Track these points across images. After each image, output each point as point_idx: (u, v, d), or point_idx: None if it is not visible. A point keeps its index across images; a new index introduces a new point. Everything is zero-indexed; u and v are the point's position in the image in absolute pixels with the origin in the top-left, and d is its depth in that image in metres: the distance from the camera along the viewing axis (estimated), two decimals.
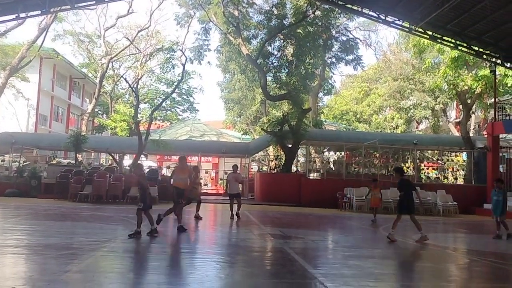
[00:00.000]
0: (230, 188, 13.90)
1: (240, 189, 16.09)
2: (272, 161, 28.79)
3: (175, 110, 55.33)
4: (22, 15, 18.61)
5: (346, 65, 30.39)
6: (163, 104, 45.91)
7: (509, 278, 6.90)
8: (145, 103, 49.16)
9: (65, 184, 19.33)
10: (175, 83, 36.26)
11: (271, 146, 27.73)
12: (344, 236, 11.69)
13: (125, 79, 33.83)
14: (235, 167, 14.74)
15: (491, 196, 11.57)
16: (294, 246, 8.97)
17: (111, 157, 27.59)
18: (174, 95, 48.98)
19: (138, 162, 21.93)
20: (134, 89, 29.23)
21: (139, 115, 29.47)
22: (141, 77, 39.22)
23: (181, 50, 27.59)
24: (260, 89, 27.43)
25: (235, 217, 13.43)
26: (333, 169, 26.42)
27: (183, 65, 26.84)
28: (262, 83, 24.56)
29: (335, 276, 6.08)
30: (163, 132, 35.01)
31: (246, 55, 24.86)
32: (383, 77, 39.18)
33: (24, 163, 25.19)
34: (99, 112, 46.91)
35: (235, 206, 13.65)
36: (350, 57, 29.17)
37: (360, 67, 30.51)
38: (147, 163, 29.84)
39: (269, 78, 26.11)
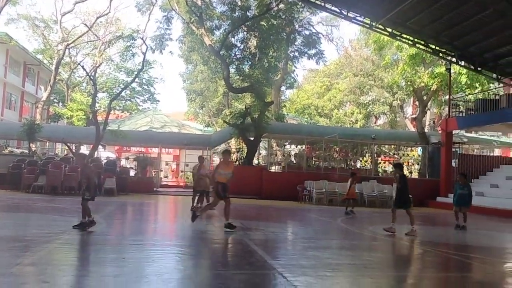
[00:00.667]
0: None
1: None
2: (233, 153, 28.76)
3: (135, 100, 54.08)
4: None
5: (309, 59, 30.65)
6: (122, 93, 44.68)
7: (461, 268, 7.20)
8: (103, 92, 47.70)
9: (18, 174, 18.58)
10: (135, 73, 35.40)
11: (233, 139, 27.69)
12: (304, 228, 11.85)
13: (83, 66, 32.74)
14: (201, 159, 14.42)
15: (455, 189, 12.35)
16: (254, 237, 8.99)
17: (66, 147, 26.71)
18: (134, 85, 47.80)
19: (80, 151, 21.48)
20: (92, 77, 28.33)
21: (97, 105, 28.62)
22: (99, 65, 37.97)
23: (142, 39, 26.85)
24: (222, 81, 27.24)
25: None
26: (294, 162, 26.74)
27: (144, 54, 26.23)
28: (225, 75, 24.40)
29: (293, 267, 6.14)
30: (122, 123, 34.15)
31: (208, 45, 24.59)
32: (344, 73, 39.90)
33: None
34: (55, 100, 45.17)
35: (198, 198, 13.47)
36: (313, 51, 29.38)
37: (322, 61, 30.82)
38: (105, 154, 29.06)
39: (232, 70, 25.94)
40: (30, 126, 22.32)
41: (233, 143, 29.61)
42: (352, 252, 7.90)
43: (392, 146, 29.12)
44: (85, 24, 33.89)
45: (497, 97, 21.66)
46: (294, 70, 36.87)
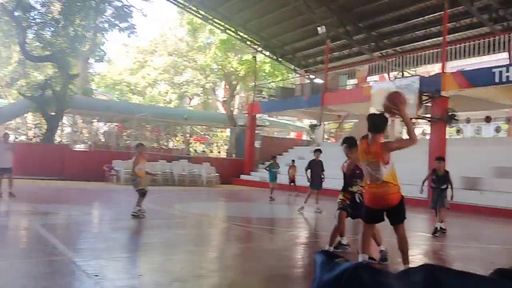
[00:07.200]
0: None
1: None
2: (31, 129, 25.71)
3: None
4: None
5: (120, 33, 29.04)
6: None
7: (253, 239, 7.85)
8: None
9: None
10: None
11: (30, 113, 24.66)
12: (107, 210, 11.35)
13: None
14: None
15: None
16: (48, 222, 8.17)
17: None
18: None
19: None
20: None
21: None
22: None
23: None
24: (18, 46, 23.86)
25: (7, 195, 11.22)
26: (103, 140, 25.32)
27: None
28: (21, 40, 21.43)
29: (87, 251, 5.77)
30: None
31: (0, 4, 21.15)
32: (159, 51, 39.28)
33: None
34: None
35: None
36: (125, 24, 27.89)
37: (134, 36, 29.52)
38: None
39: (30, 36, 22.91)
40: None
41: (30, 118, 26.42)
42: (152, 231, 7.84)
43: (204, 127, 30.09)
44: None
45: (294, 86, 24.27)
46: (104, 43, 34.54)
